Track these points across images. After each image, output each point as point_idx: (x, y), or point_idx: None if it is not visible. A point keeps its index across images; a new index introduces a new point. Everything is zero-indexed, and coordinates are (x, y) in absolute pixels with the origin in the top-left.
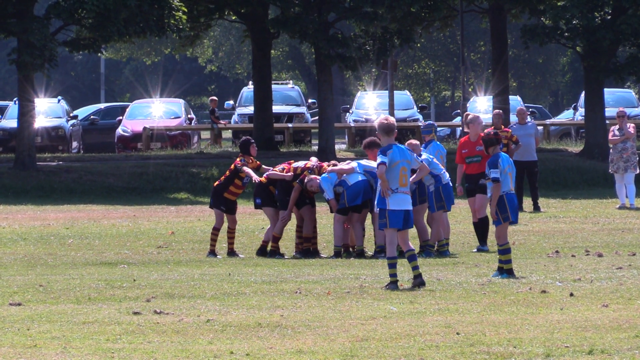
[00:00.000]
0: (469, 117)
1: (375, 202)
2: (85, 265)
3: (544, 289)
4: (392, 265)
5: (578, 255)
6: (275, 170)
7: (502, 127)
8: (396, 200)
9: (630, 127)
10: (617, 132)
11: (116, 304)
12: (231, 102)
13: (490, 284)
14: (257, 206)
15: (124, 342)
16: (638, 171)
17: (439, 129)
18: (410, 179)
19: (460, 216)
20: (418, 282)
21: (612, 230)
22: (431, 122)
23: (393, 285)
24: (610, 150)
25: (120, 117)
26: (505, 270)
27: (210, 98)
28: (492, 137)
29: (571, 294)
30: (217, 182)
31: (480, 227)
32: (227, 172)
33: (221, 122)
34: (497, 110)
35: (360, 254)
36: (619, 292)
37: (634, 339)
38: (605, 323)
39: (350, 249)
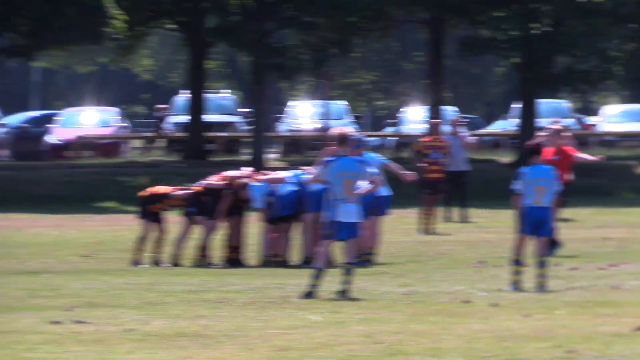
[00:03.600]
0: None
1: (324, 212)
2: (7, 274)
3: (467, 298)
4: (317, 277)
5: (503, 265)
6: (209, 180)
7: (439, 137)
8: (343, 211)
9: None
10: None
11: (36, 314)
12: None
13: (414, 294)
14: (191, 215)
15: (42, 351)
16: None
17: (371, 138)
18: (360, 191)
19: (388, 226)
20: (343, 296)
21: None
22: (359, 136)
23: (310, 295)
24: None
25: (49, 125)
26: (512, 282)
27: (158, 106)
28: (532, 147)
29: (494, 304)
30: (144, 192)
31: None
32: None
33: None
34: (434, 120)
35: (285, 264)
36: (541, 302)
37: (553, 348)
38: (526, 333)
39: (277, 259)
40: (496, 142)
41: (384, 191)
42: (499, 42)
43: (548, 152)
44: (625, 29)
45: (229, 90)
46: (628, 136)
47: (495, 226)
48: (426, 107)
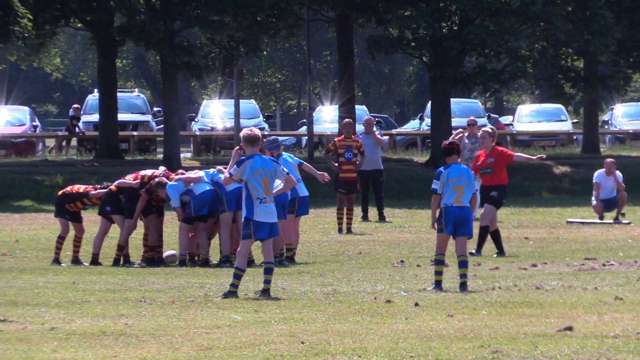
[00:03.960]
0: (484, 130)
1: (243, 211)
2: None
3: (389, 298)
4: (238, 277)
5: (423, 265)
6: (124, 179)
7: (352, 136)
8: (263, 211)
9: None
10: (465, 139)
11: None
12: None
13: (335, 294)
14: (106, 214)
15: None
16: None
17: (284, 138)
18: (274, 192)
19: (305, 226)
20: (265, 295)
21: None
22: (275, 137)
23: (231, 295)
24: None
25: None
26: (435, 282)
27: (73, 106)
28: (447, 147)
29: (416, 304)
30: (61, 191)
31: (481, 236)
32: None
33: (78, 129)
34: (347, 120)
35: (205, 263)
36: (464, 302)
37: (479, 349)
38: (451, 333)
39: (196, 258)
40: (412, 142)
41: (303, 191)
42: (408, 41)
43: (481, 154)
44: (534, 27)
45: (139, 89)
46: (541, 135)
47: (412, 225)
48: (337, 106)
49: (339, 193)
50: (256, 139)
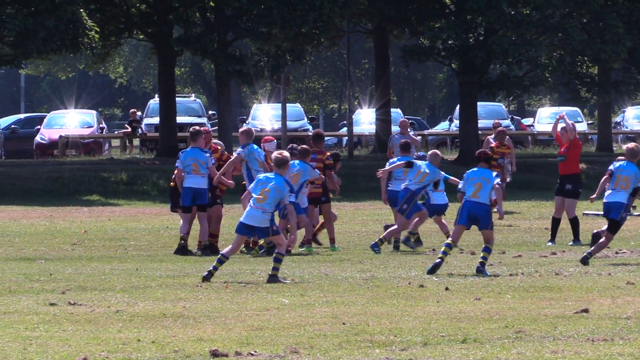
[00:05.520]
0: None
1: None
2: (6, 260)
3: (421, 283)
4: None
5: (453, 253)
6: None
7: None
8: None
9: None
10: (492, 141)
11: (34, 296)
12: (139, 113)
13: (373, 279)
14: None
15: (41, 330)
16: (509, 179)
17: (327, 138)
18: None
19: (346, 217)
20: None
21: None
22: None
23: (207, 278)
24: None
25: (39, 127)
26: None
27: (131, 111)
28: (475, 155)
29: (446, 288)
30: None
31: (573, 225)
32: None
33: (140, 130)
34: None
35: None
36: (490, 287)
37: (504, 329)
38: (478, 315)
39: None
40: (442, 141)
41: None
42: (438, 50)
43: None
44: (552, 38)
45: (195, 95)
46: None
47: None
48: (374, 109)
49: None
50: (285, 161)
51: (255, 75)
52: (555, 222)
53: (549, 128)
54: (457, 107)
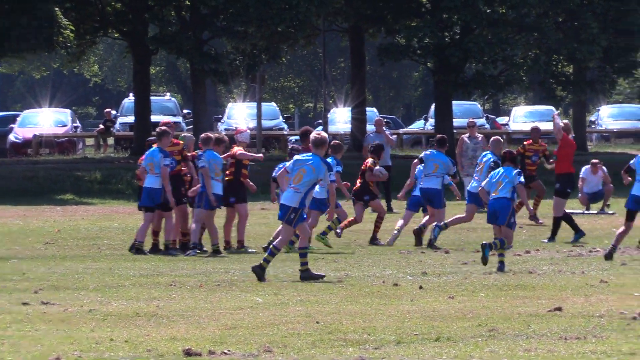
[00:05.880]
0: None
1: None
2: None
3: (396, 282)
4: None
5: (427, 251)
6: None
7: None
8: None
9: (481, 137)
10: (467, 140)
11: (6, 295)
12: (114, 112)
13: (347, 278)
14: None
15: (13, 330)
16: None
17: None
18: None
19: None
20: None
21: (458, 229)
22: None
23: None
24: (462, 158)
25: (13, 125)
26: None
27: (105, 110)
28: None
29: (420, 287)
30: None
31: (567, 221)
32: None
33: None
34: (534, 126)
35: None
36: (463, 285)
37: (477, 327)
38: (451, 313)
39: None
40: (417, 140)
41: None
42: (414, 49)
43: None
44: (528, 37)
45: (170, 93)
46: None
47: (417, 216)
48: (350, 108)
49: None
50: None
51: (230, 74)
52: (565, 218)
53: (523, 127)
54: (433, 106)
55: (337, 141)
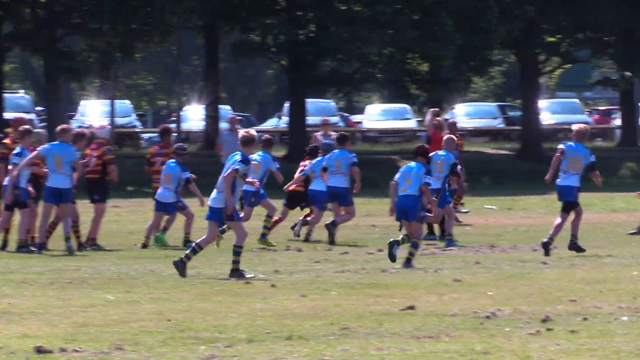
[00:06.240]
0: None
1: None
2: None
3: (248, 280)
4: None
5: (280, 250)
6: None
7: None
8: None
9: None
10: (320, 137)
11: None
12: None
13: (200, 276)
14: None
15: None
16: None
17: (154, 135)
18: None
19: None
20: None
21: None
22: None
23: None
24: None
25: None
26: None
27: None
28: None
29: (272, 285)
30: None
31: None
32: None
33: None
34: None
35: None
36: (315, 284)
37: (329, 326)
38: (304, 311)
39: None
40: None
41: None
42: (269, 46)
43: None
44: (383, 35)
45: (24, 91)
46: (388, 132)
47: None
48: (204, 106)
49: None
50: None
51: (84, 72)
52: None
53: (377, 125)
54: (286, 104)
55: (267, 136)
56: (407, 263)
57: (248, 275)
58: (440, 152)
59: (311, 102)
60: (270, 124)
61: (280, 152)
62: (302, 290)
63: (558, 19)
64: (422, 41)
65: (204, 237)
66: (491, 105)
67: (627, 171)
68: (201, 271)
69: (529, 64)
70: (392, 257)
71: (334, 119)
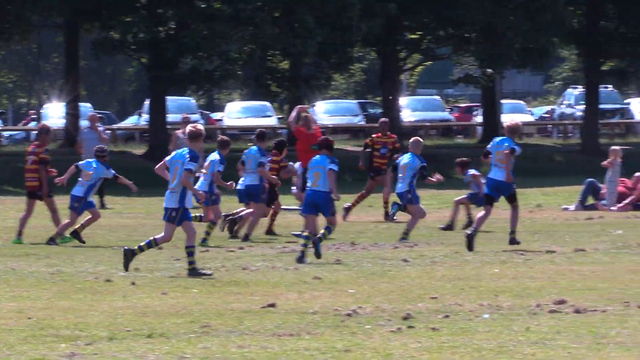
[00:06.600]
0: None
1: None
2: None
3: (108, 278)
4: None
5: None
6: None
7: (388, 133)
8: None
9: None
10: (180, 135)
11: None
12: None
13: (60, 273)
14: None
15: None
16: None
17: (14, 133)
18: None
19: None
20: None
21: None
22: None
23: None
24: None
25: None
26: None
27: None
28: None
29: (133, 283)
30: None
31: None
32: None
33: None
34: (383, 119)
35: None
36: (177, 282)
37: (190, 323)
38: (164, 309)
39: None
40: (131, 135)
41: None
42: (129, 44)
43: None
44: (244, 32)
45: None
46: (249, 130)
47: (131, 212)
48: (64, 103)
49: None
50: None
51: None
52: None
53: (238, 122)
54: (146, 101)
55: (223, 137)
56: (300, 258)
57: (207, 272)
58: (406, 155)
59: (171, 100)
60: (131, 121)
61: (140, 149)
62: (163, 288)
63: (420, 16)
64: (283, 38)
65: (162, 235)
66: (352, 103)
67: (488, 168)
68: (61, 268)
69: (390, 61)
70: (318, 255)
71: (195, 117)
